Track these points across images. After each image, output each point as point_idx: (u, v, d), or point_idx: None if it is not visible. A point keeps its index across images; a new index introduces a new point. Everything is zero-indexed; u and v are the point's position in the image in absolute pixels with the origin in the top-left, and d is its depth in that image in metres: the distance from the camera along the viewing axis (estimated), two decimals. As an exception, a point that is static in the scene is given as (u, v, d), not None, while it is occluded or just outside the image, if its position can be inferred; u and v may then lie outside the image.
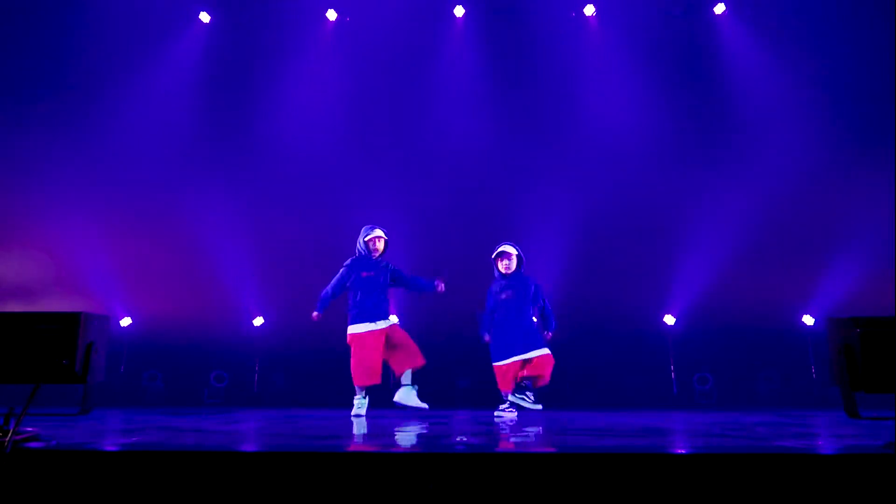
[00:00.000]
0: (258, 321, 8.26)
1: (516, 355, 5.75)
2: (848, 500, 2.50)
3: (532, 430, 4.22)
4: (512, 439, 3.61)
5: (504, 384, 5.81)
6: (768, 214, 7.87)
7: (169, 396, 7.75)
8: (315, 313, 5.77)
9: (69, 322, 3.09)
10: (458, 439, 3.52)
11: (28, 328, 3.09)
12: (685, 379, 7.84)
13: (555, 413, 5.99)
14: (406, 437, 3.85)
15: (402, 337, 5.75)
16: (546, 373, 5.73)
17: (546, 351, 5.76)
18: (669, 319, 8.07)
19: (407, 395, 5.62)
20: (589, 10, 8.58)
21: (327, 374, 7.86)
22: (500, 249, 6.00)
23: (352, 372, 5.63)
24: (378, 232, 5.86)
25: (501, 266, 5.99)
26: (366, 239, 5.85)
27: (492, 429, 4.31)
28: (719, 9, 8.50)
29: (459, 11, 8.75)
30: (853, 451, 2.95)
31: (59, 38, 8.38)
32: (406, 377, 5.69)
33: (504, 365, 5.80)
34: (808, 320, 7.83)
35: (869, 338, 3.01)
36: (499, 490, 2.53)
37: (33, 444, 2.92)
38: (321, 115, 8.63)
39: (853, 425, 4.14)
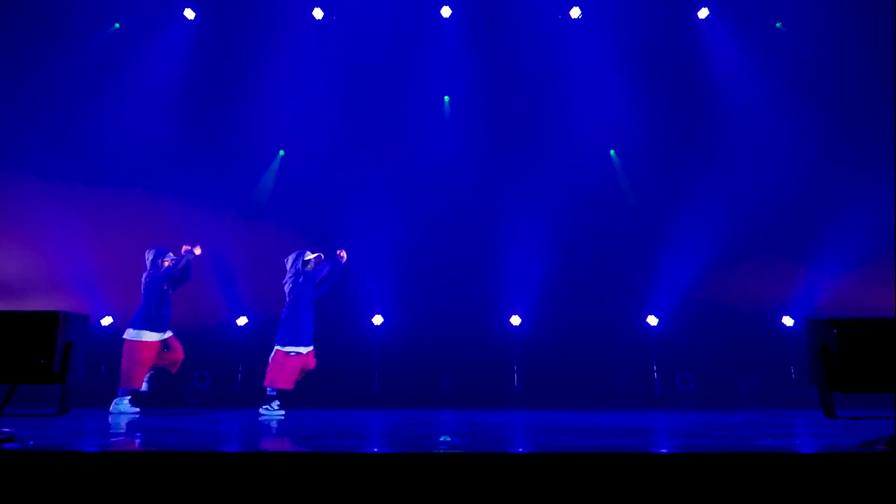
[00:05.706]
0: (242, 321, 8.19)
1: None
2: (826, 498, 2.53)
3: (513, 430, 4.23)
4: (493, 440, 3.61)
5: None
6: (750, 217, 7.96)
7: (151, 397, 7.64)
8: None
9: (47, 321, 3.04)
10: (441, 439, 3.52)
11: (5, 327, 3.04)
12: (668, 379, 7.91)
13: (539, 413, 6.01)
14: (394, 438, 3.84)
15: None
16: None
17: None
18: (652, 320, 8.13)
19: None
20: (575, 12, 8.62)
21: (312, 374, 7.81)
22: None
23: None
24: None
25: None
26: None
27: (476, 429, 4.31)
28: (703, 13, 8.60)
29: (446, 12, 8.74)
30: (831, 450, 3.00)
31: (39, 34, 8.24)
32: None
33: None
34: (788, 321, 7.93)
35: (846, 339, 3.05)
36: (488, 489, 2.53)
37: (9, 446, 2.87)
38: (305, 114, 8.57)
39: (831, 425, 4.19)
